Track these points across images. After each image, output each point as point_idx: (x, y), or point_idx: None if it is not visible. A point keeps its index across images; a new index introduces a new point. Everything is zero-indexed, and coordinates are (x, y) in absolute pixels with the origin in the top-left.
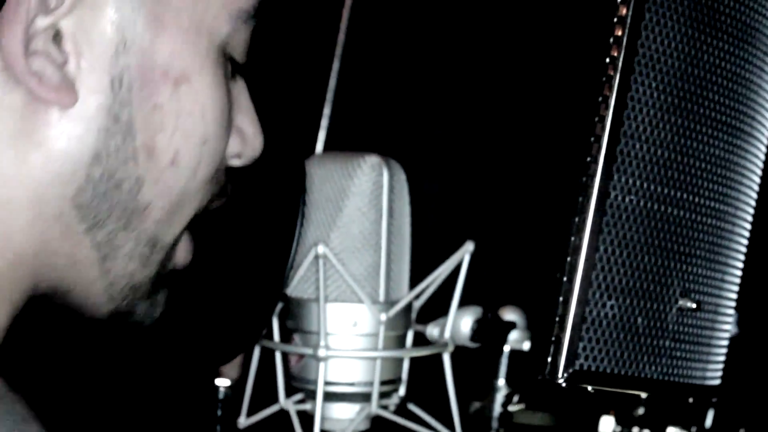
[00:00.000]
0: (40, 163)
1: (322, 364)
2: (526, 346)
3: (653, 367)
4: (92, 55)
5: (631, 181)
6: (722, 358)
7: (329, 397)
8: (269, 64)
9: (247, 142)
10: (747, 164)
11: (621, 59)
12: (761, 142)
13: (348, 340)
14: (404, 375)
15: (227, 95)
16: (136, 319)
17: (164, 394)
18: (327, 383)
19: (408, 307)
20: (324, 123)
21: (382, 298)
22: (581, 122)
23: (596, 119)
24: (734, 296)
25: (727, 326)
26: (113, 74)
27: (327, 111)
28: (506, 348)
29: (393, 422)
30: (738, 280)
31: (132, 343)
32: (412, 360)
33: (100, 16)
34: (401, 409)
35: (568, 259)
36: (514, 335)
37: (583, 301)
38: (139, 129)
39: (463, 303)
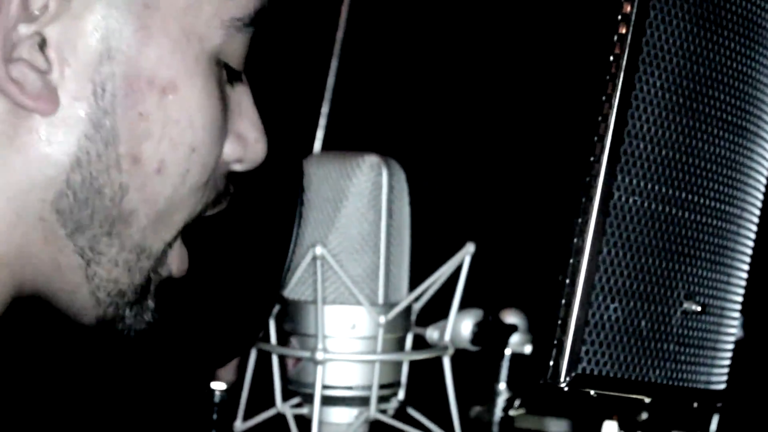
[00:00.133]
0: (20, 168)
1: (319, 368)
2: (528, 349)
3: (657, 371)
4: (76, 63)
5: (635, 181)
6: (727, 362)
7: (327, 401)
8: (267, 63)
9: (248, 148)
10: (753, 165)
11: (625, 57)
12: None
13: (346, 342)
14: (403, 379)
15: (220, 102)
16: (126, 325)
17: (160, 397)
18: (325, 387)
19: (407, 310)
20: (322, 122)
21: (381, 300)
22: (584, 121)
23: (600, 118)
24: (739, 299)
25: (733, 329)
26: (96, 82)
27: (325, 110)
28: (507, 351)
29: (392, 427)
30: (743, 283)
31: (127, 347)
32: (412, 363)
33: (84, 24)
34: (400, 414)
35: (571, 260)
36: (515, 338)
37: (585, 304)
38: (123, 137)
39: (464, 305)
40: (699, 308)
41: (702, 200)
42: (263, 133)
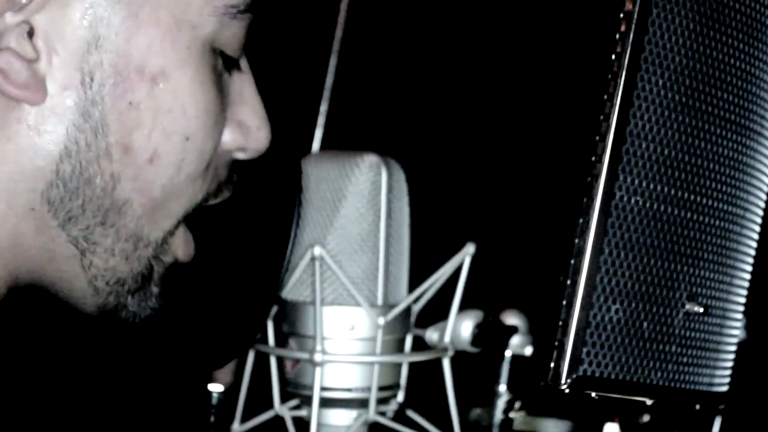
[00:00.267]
0: (9, 158)
1: (318, 369)
2: (528, 351)
3: (659, 373)
4: (65, 52)
5: (636, 181)
6: (730, 364)
7: (326, 403)
8: (265, 61)
9: (250, 136)
10: (756, 164)
11: (627, 56)
12: None
13: (345, 344)
14: (403, 380)
15: (214, 90)
16: (129, 312)
17: (156, 399)
18: (323, 389)
19: (407, 311)
20: (321, 121)
21: (380, 301)
22: (586, 121)
23: (601, 118)
24: (742, 300)
25: (735, 331)
26: (84, 71)
27: (324, 108)
28: (508, 353)
29: (391, 429)
30: (746, 284)
31: (125, 347)
32: (411, 365)
33: (72, 13)
34: (400, 416)
35: (572, 261)
36: (515, 340)
37: (587, 305)
38: (112, 126)
39: (464, 306)
40: (701, 309)
41: (704, 200)
42: (266, 120)
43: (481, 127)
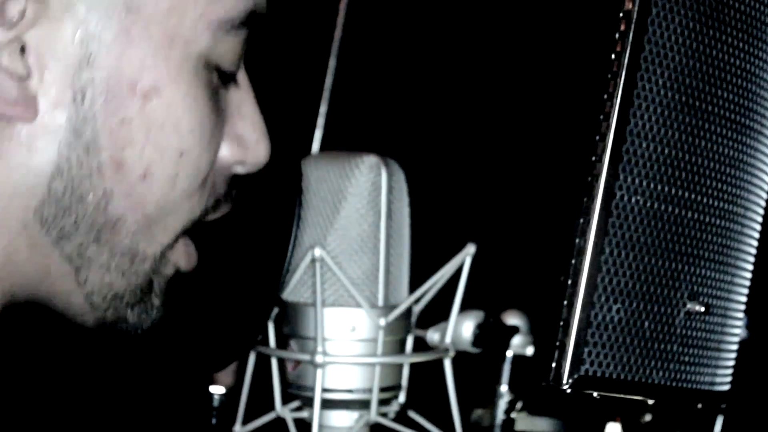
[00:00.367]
0: (2, 176)
1: (319, 371)
2: (530, 351)
3: (660, 373)
4: (56, 69)
5: (637, 181)
6: (731, 363)
7: (327, 404)
8: (264, 63)
9: (249, 150)
10: (757, 163)
11: (627, 55)
12: None
13: (346, 345)
14: (404, 381)
15: (209, 105)
16: (129, 325)
17: (158, 401)
18: (324, 390)
19: (408, 312)
20: (320, 122)
21: (380, 302)
22: (586, 120)
23: (601, 117)
24: (744, 299)
25: (737, 330)
26: (76, 88)
27: (323, 109)
28: (509, 353)
29: (393, 430)
30: (747, 283)
31: (126, 351)
32: (412, 366)
33: (64, 30)
34: (401, 417)
35: (573, 261)
36: (517, 340)
37: (588, 305)
38: (104, 143)
39: (465, 307)
40: (703, 309)
41: (705, 199)
42: (265, 134)
43: (481, 127)
